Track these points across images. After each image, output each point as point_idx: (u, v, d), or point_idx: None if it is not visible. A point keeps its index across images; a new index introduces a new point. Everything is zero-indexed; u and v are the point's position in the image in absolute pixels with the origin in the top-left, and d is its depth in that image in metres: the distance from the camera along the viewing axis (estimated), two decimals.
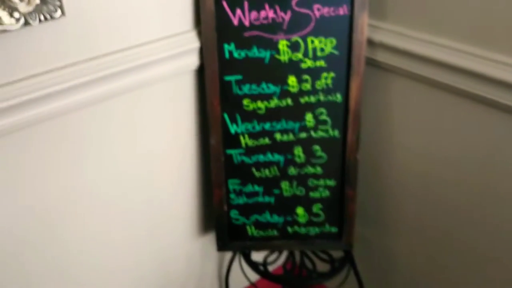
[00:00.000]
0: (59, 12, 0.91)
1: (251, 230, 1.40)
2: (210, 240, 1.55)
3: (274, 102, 1.24)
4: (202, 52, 1.18)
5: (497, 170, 1.10)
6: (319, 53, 1.19)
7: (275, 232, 1.41)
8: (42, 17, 0.90)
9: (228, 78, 1.21)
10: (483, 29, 1.00)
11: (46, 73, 0.95)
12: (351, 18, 1.17)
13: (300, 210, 1.38)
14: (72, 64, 0.98)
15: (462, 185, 1.19)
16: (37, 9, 0.89)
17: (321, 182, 1.34)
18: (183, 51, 1.15)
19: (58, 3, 0.90)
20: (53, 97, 0.96)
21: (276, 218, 1.39)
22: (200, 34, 1.16)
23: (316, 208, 1.38)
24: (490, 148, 1.09)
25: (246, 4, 1.15)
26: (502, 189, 1.10)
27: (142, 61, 1.07)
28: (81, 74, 0.98)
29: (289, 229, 1.41)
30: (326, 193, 1.36)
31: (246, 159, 1.31)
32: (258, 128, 1.27)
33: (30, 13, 0.88)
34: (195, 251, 1.54)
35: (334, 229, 1.39)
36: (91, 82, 1.00)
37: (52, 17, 0.91)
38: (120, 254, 1.32)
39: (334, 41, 1.18)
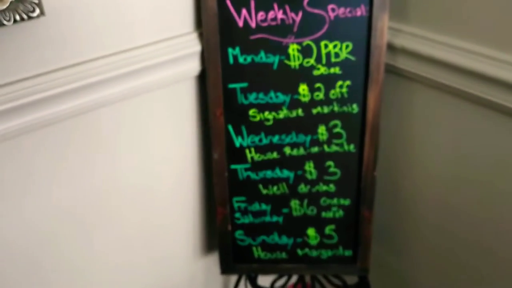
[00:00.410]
0: (37, 11, 0.80)
1: (258, 252, 1.30)
2: (214, 261, 1.45)
3: (283, 113, 1.14)
4: (203, 56, 1.07)
5: None
6: (333, 59, 1.09)
7: (283, 255, 1.31)
8: (17, 17, 0.79)
9: (232, 85, 1.11)
10: None
11: (22, 81, 0.85)
12: (369, 19, 1.06)
13: (311, 231, 1.29)
14: (53, 71, 0.88)
15: (492, 211, 1.08)
16: (12, 8, 0.78)
17: (335, 201, 1.25)
18: (182, 56, 1.05)
19: (36, 0, 0.79)
20: (34, 106, 0.87)
21: (285, 240, 1.29)
22: (201, 36, 1.06)
23: (329, 229, 1.28)
24: None
25: (252, 4, 1.04)
26: None
27: (134, 67, 0.97)
28: (64, 82, 0.88)
29: (299, 252, 1.31)
30: (340, 213, 1.26)
31: (252, 175, 1.21)
32: (265, 141, 1.18)
33: (3, 12, 0.77)
34: (198, 273, 1.43)
35: (348, 252, 1.31)
36: (77, 90, 0.91)
37: (29, 17, 0.80)
38: (119, 278, 1.23)
39: (351, 45, 1.08)
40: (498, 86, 0.94)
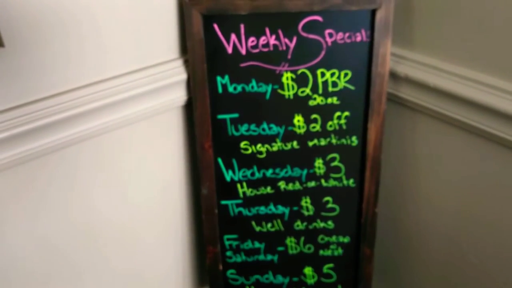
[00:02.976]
0: None
1: None
2: None
3: (277, 145, 1.07)
4: (190, 85, 0.98)
5: None
6: (331, 88, 1.02)
7: None
8: None
9: (222, 116, 1.03)
10: None
11: None
12: (370, 45, 1.00)
13: (308, 270, 1.21)
14: (17, 107, 0.79)
15: (500, 245, 1.01)
16: None
17: (333, 238, 1.17)
18: (167, 85, 0.98)
19: None
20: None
21: (281, 279, 1.22)
22: (187, 63, 0.97)
23: (327, 268, 1.21)
24: None
25: (242, 28, 0.96)
26: None
27: (112, 99, 0.89)
28: (31, 119, 0.80)
29: None
30: (339, 251, 1.19)
31: (244, 211, 1.13)
32: (258, 175, 1.10)
33: None
34: None
35: None
36: (45, 127, 0.81)
37: None
38: None
39: (350, 73, 1.01)
40: (506, 120, 0.87)
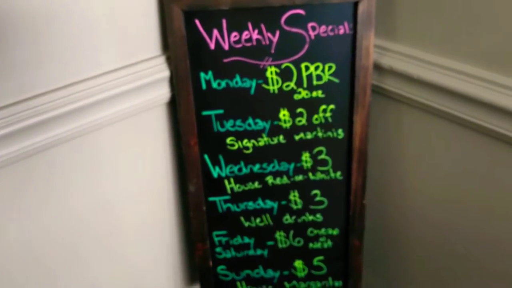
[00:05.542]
0: None
1: (242, 287, 1.23)
2: None
3: (263, 140, 1.06)
4: (173, 82, 0.97)
5: None
6: (315, 82, 1.01)
7: None
8: None
9: (206, 113, 1.02)
10: None
11: None
12: (353, 38, 0.99)
13: (298, 263, 1.21)
14: None
15: (489, 232, 1.01)
16: None
17: (322, 231, 1.17)
18: (149, 82, 0.96)
19: None
20: None
21: (271, 273, 1.21)
22: (169, 60, 0.96)
23: (317, 260, 1.21)
24: None
25: (224, 23, 0.95)
26: None
27: (95, 98, 0.88)
28: (8, 122, 0.78)
29: (287, 285, 1.24)
30: (329, 243, 1.19)
31: (232, 207, 1.13)
32: (245, 170, 1.09)
33: None
34: None
35: (338, 283, 1.24)
36: (24, 129, 0.80)
37: None
38: None
39: (334, 66, 1.00)
40: (493, 111, 0.87)
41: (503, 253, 0.99)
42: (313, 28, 0.97)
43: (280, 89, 1.01)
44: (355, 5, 0.95)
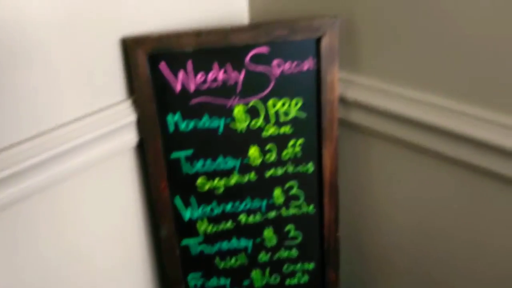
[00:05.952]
0: None
1: None
2: None
3: (234, 179, 1.05)
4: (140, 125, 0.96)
5: (499, 250, 0.93)
6: (283, 118, 1.01)
7: None
8: None
9: (175, 155, 1.01)
10: (484, 84, 0.82)
11: None
12: (318, 73, 1.00)
13: None
14: None
15: (459, 266, 1.02)
16: None
17: (298, 266, 1.16)
18: (116, 128, 0.94)
19: None
20: None
21: None
22: (136, 104, 0.95)
23: None
24: (490, 224, 0.92)
25: (190, 65, 0.95)
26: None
27: (58, 150, 0.84)
28: None
29: None
30: (305, 278, 1.18)
31: (206, 249, 1.10)
32: (217, 210, 1.08)
33: None
34: None
35: None
36: None
37: None
38: None
39: (301, 101, 1.01)
40: (460, 141, 0.87)
41: (478, 278, 1.00)
42: (278, 65, 0.98)
43: (248, 126, 1.01)
44: (318, 40, 0.96)
